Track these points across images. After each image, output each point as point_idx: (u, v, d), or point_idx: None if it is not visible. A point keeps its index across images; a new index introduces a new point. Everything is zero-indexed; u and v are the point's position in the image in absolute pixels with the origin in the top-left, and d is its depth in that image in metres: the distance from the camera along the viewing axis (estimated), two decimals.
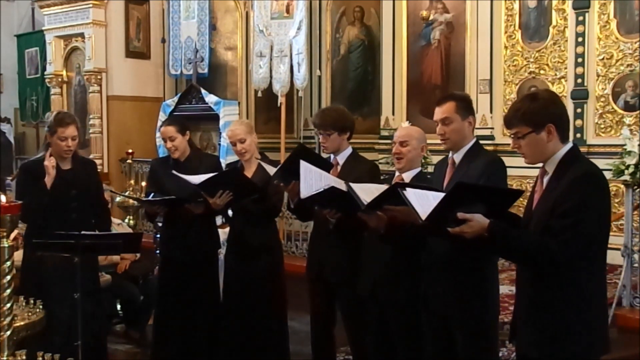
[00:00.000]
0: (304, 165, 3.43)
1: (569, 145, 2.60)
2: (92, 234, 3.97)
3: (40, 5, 10.75)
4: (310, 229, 4.41)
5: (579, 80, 7.14)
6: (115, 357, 5.30)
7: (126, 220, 8.14)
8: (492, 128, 7.65)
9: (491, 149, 6.43)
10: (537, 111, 2.57)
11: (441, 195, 2.67)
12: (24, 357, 2.46)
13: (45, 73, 10.78)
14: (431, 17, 8.04)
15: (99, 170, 4.82)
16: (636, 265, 5.41)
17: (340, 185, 3.26)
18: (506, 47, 7.70)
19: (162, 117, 8.82)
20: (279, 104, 8.47)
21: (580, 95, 7.09)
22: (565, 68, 7.28)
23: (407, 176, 3.51)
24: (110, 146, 10.08)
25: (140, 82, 10.31)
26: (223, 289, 4.49)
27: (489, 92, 7.69)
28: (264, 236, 4.32)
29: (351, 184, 3.18)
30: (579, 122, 7.11)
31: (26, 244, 4.34)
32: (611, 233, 2.67)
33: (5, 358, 2.41)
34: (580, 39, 7.10)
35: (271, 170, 3.91)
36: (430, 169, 3.88)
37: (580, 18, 7.10)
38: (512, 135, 2.65)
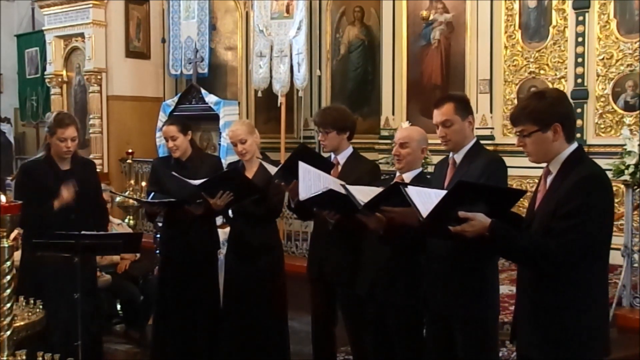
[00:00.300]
0: (302, 167, 3.43)
1: (574, 145, 2.58)
2: (92, 234, 3.97)
3: (40, 5, 10.74)
4: (310, 229, 4.41)
5: (579, 80, 7.13)
6: (115, 357, 5.30)
7: (126, 220, 8.15)
8: (492, 128, 7.65)
9: (491, 149, 6.41)
10: (544, 110, 2.55)
11: (443, 193, 2.66)
12: (24, 357, 2.45)
13: (45, 73, 10.77)
14: (431, 17, 8.03)
15: (98, 170, 4.81)
16: (636, 265, 5.40)
17: (339, 186, 3.26)
18: (506, 47, 7.69)
19: (162, 117, 8.83)
20: (279, 104, 8.46)
21: (580, 95, 7.08)
22: (565, 68, 7.27)
23: (408, 176, 3.50)
24: (110, 146, 10.07)
25: (140, 82, 10.30)
26: (223, 289, 4.49)
27: (489, 92, 7.68)
28: (264, 236, 4.32)
29: (348, 186, 3.17)
30: (579, 122, 7.08)
31: (24, 244, 4.33)
32: None
33: (5, 358, 2.41)
34: (580, 39, 7.10)
35: (273, 170, 3.90)
36: (431, 169, 3.87)
37: (580, 18, 7.09)
38: (517, 133, 2.62)
